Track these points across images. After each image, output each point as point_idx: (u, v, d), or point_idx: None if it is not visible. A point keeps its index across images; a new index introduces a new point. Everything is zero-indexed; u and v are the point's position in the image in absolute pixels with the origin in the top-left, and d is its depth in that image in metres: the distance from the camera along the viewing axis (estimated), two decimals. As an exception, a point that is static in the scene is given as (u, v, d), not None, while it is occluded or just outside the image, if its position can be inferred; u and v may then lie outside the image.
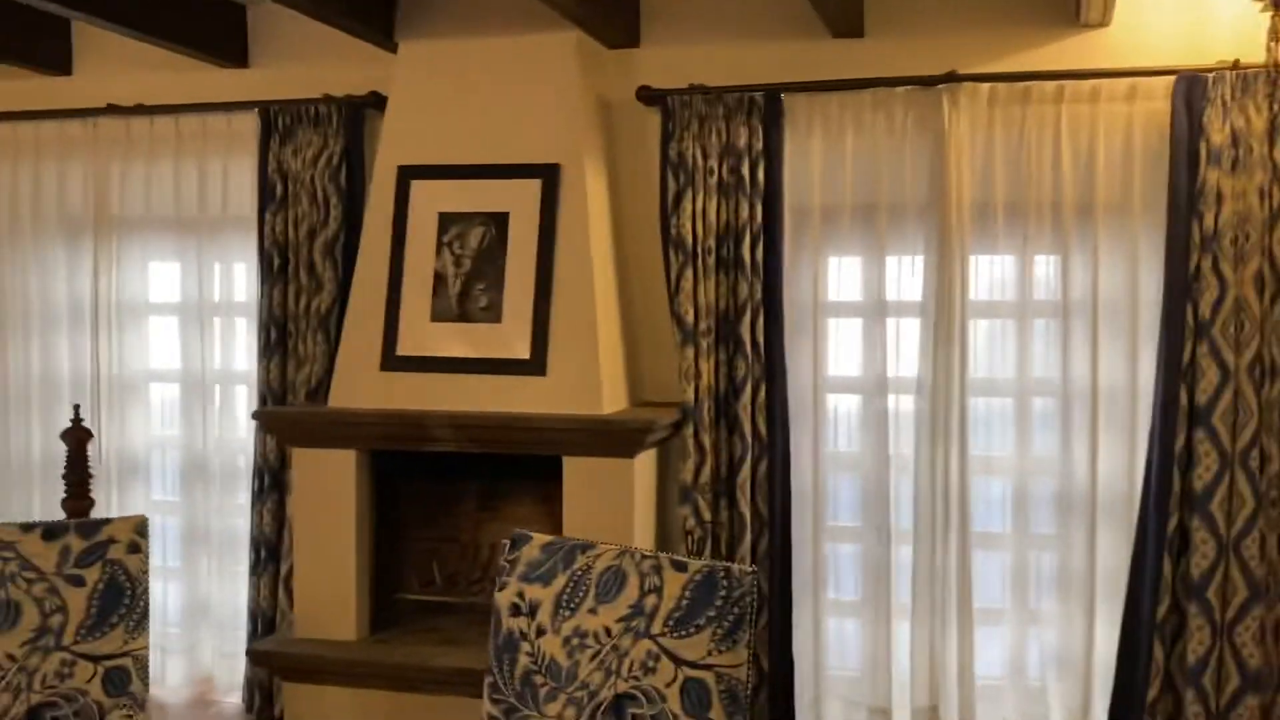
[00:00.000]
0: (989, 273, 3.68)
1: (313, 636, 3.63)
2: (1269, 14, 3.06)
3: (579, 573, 2.03)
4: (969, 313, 3.65)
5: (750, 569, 1.90)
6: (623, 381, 3.72)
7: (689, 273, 3.66)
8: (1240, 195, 3.31)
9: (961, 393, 3.63)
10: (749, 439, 3.65)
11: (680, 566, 1.95)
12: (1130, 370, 3.53)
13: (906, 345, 3.73)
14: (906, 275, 3.72)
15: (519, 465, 3.65)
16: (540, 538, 2.15)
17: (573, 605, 2.01)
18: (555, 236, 3.55)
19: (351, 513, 3.60)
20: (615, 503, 3.40)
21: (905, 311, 3.73)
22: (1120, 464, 3.56)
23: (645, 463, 3.56)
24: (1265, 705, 3.33)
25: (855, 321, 3.81)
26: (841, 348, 3.83)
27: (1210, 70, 3.34)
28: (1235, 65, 3.31)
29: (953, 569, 3.66)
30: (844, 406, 3.87)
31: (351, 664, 3.52)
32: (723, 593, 1.87)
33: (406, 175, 3.68)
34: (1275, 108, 3.25)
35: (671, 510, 3.76)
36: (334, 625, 3.62)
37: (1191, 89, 3.34)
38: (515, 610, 2.08)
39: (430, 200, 3.65)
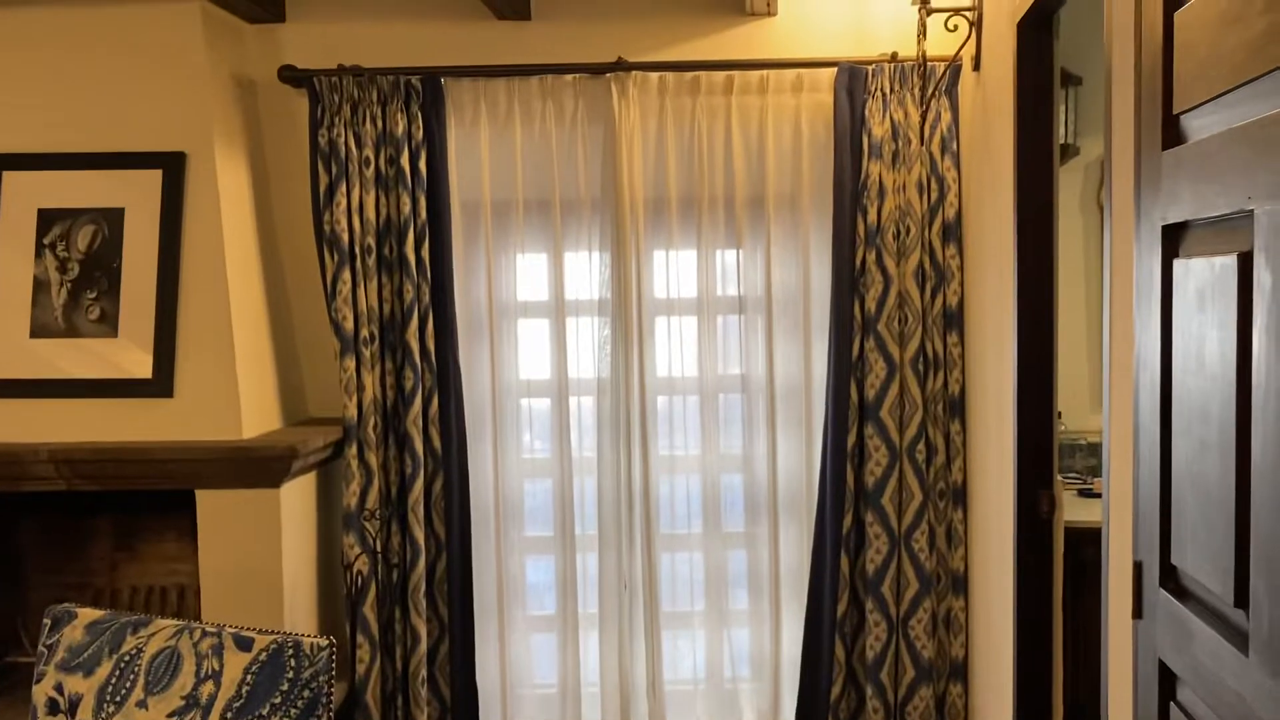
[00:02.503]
0: (668, 269, 3.55)
1: (-104, 718, 3.04)
2: (918, 8, 3.07)
3: (127, 658, 1.67)
4: (649, 310, 3.52)
5: (326, 641, 1.61)
6: (273, 399, 3.33)
7: (346, 274, 3.31)
8: (900, 189, 3.32)
9: (643, 391, 3.49)
10: (420, 455, 3.35)
11: (244, 645, 1.63)
12: (805, 366, 3.49)
13: (587, 345, 3.54)
14: (585, 273, 3.54)
15: (159, 496, 3.19)
16: (87, 614, 1.77)
17: (119, 698, 1.65)
18: (181, 235, 3.10)
19: (-62, 567, 3.03)
20: (260, 538, 3.01)
21: (585, 310, 3.55)
22: (798, 460, 3.53)
23: (299, 490, 3.19)
24: (938, 695, 3.38)
25: (536, 322, 3.60)
26: (523, 350, 3.60)
27: (870, 62, 3.32)
28: (894, 58, 3.31)
29: (639, 574, 3.53)
30: (529, 412, 3.65)
31: (-57, 748, 2.97)
32: (290, 674, 1.57)
33: (-3, 165, 3.12)
34: (928, 101, 3.26)
35: (336, 540, 3.42)
36: (-78, 702, 3.05)
37: (853, 80, 3.31)
38: (53, 708, 1.69)
39: (28, 194, 3.11)
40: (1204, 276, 1.31)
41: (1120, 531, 1.68)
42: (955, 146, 3.32)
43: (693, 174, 3.46)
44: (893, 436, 3.32)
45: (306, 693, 1.55)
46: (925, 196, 3.32)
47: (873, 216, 3.31)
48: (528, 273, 3.58)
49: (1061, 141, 3.63)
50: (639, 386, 3.49)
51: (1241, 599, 1.21)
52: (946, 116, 3.31)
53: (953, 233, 3.32)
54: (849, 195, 3.34)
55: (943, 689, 3.39)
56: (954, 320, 3.33)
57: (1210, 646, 1.29)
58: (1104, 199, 1.75)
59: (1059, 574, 2.56)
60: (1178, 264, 1.40)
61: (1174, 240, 1.42)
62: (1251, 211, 1.17)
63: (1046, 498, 2.53)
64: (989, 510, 3.07)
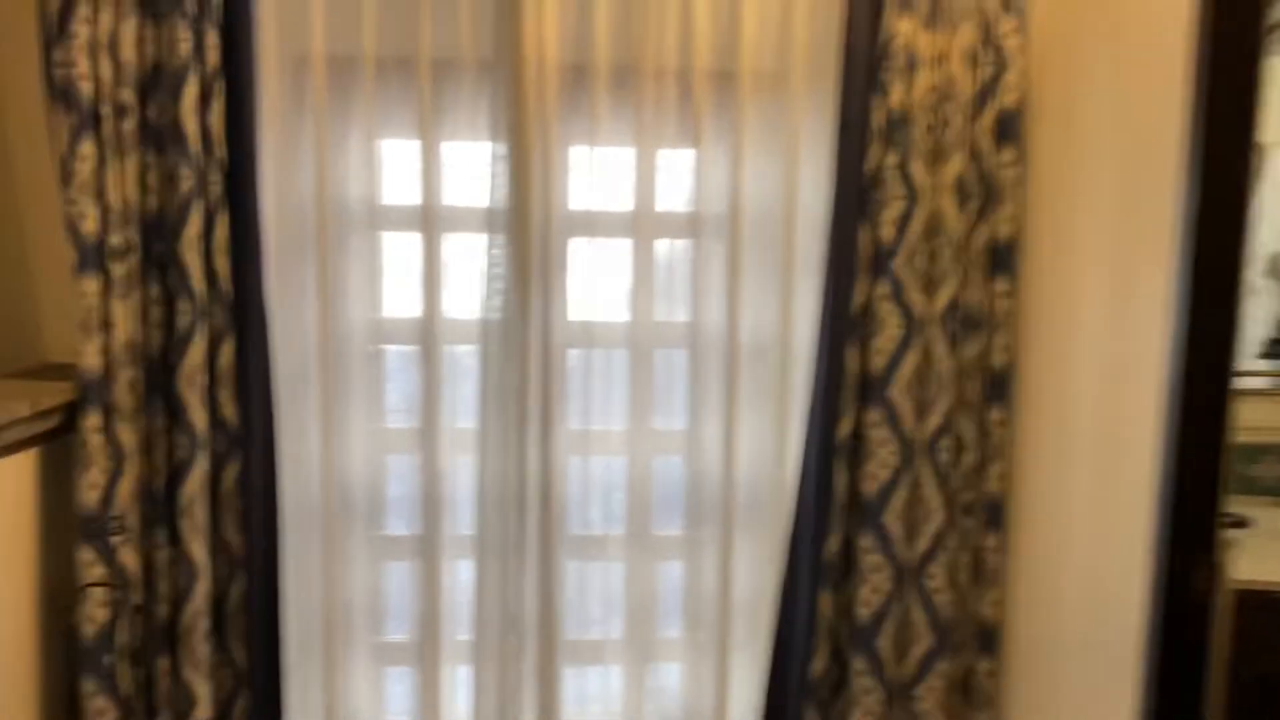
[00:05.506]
0: (590, 170, 2.44)
1: None
2: None
3: None
4: (560, 227, 2.42)
5: None
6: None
7: (88, 146, 2.11)
8: (940, 60, 2.24)
9: (547, 341, 2.41)
10: (201, 430, 2.21)
11: None
12: (783, 317, 2.43)
13: (469, 273, 2.44)
14: (468, 169, 2.42)
15: None
16: None
17: None
18: None
19: None
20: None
21: (466, 223, 2.44)
22: (766, 451, 2.49)
23: (5, 478, 2.04)
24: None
25: (395, 237, 2.48)
26: (374, 278, 2.48)
27: None
28: None
29: (532, 589, 2.50)
30: (385, 365, 2.55)
31: None
32: None
33: None
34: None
35: (66, 553, 2.25)
36: None
37: (878, -107, 2.20)
38: None
39: None
40: None
41: None
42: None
43: (631, 32, 2.34)
44: (906, 425, 2.29)
45: None
46: (976, 73, 2.25)
47: (896, 99, 2.23)
48: (383, 165, 2.44)
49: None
50: (542, 334, 2.41)
51: None
52: (1013, -47, 2.23)
53: (1012, 129, 2.26)
54: (863, 69, 2.26)
55: (952, 779, 2.42)
56: (1005, 259, 2.29)
57: None
58: None
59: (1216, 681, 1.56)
60: None
61: None
62: None
63: (1204, 567, 1.51)
64: (1050, 542, 2.07)
